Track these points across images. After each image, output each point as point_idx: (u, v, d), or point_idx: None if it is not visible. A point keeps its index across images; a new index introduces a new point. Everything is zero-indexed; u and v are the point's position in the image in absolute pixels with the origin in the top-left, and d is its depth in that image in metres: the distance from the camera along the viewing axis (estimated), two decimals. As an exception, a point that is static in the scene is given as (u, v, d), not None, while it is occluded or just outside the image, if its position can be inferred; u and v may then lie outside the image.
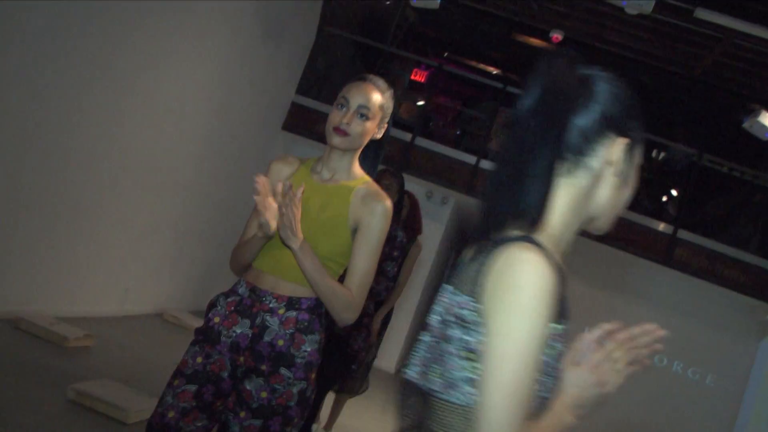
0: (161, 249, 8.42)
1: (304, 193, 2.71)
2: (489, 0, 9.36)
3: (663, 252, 10.78)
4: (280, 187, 2.50)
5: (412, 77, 15.16)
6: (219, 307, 2.73)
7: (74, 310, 7.16)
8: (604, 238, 10.96)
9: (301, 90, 10.89)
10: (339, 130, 2.71)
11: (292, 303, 2.68)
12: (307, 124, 10.78)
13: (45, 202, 6.31)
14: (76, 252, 6.98)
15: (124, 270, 7.92)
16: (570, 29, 9.57)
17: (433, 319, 1.59)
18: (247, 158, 9.69)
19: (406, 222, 5.82)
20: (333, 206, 2.73)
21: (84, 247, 7.08)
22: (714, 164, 12.13)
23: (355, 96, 2.75)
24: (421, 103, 12.84)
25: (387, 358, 11.80)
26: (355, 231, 2.73)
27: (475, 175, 11.19)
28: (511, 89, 12.31)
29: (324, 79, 11.71)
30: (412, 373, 1.60)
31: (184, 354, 2.72)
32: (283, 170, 2.85)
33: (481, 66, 16.47)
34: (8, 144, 5.68)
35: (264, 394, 2.62)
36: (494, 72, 16.44)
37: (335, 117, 2.73)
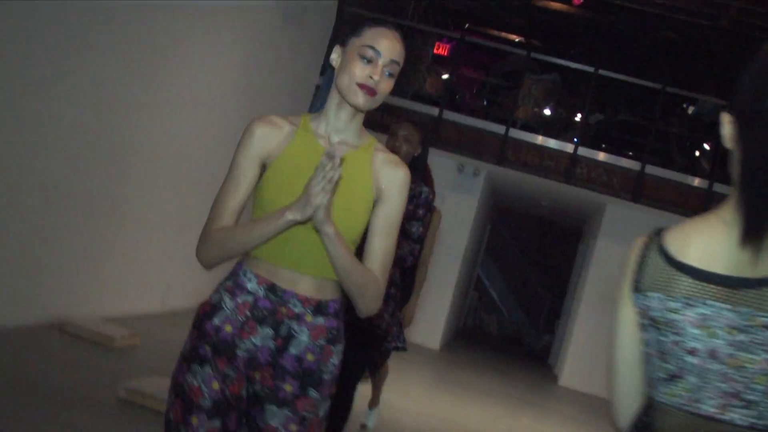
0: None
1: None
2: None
3: (699, 207, 10.69)
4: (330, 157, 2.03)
5: (435, 51, 15.08)
6: (227, 311, 2.21)
7: (118, 310, 7.23)
8: (639, 198, 10.92)
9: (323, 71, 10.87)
10: (367, 88, 2.22)
11: (320, 307, 2.22)
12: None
13: (81, 204, 6.36)
14: (115, 252, 7.04)
15: (165, 266, 7.99)
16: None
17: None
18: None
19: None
20: (353, 176, 2.25)
21: (123, 246, 7.14)
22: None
23: (387, 48, 2.24)
24: (446, 76, 12.78)
25: (430, 334, 11.82)
26: (375, 204, 2.29)
27: (504, 144, 11.15)
28: (535, 56, 12.23)
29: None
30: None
31: (186, 375, 2.18)
32: (272, 135, 2.26)
33: (504, 35, 16.38)
34: (43, 148, 5.73)
35: (293, 428, 2.20)
36: (517, 40, 16.35)
37: (361, 70, 2.21)
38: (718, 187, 10.72)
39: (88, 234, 6.57)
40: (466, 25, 16.51)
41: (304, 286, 2.20)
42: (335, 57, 2.32)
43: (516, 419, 8.59)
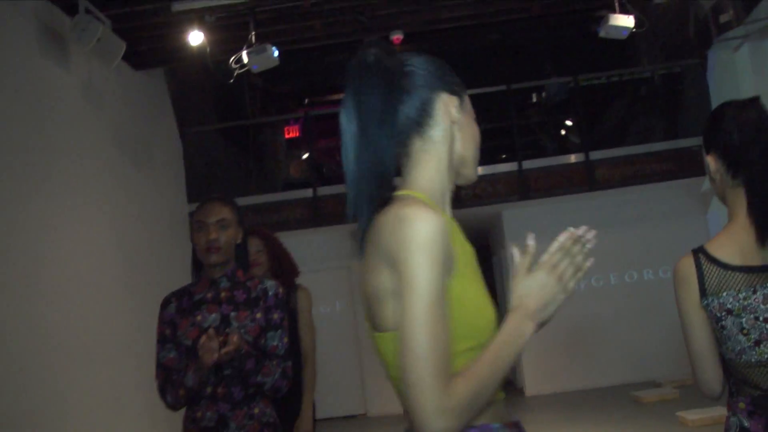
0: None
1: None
2: (320, 34, 9.42)
3: (586, 180, 10.95)
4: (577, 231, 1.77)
5: (287, 136, 15.19)
6: None
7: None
8: (528, 194, 11.10)
9: (192, 197, 10.74)
10: None
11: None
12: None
13: None
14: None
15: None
16: (406, 25, 9.67)
17: None
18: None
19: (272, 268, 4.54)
20: None
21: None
22: (591, 81, 12.40)
23: None
24: (306, 155, 12.85)
25: (387, 398, 11.68)
26: None
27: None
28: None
29: (208, 176, 11.65)
30: None
31: None
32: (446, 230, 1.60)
33: (342, 95, 16.57)
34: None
35: None
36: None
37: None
38: (595, 155, 11.00)
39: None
40: (306, 101, 16.67)
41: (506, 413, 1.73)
42: (447, 110, 1.79)
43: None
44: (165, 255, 9.56)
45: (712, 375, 2.29)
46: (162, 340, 3.26)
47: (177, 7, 7.99)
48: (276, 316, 3.30)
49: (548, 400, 11.46)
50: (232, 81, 8.93)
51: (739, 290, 2.18)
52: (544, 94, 13.13)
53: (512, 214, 11.80)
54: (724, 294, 2.19)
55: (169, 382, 3.18)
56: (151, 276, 8.89)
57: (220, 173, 12.20)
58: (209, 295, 3.28)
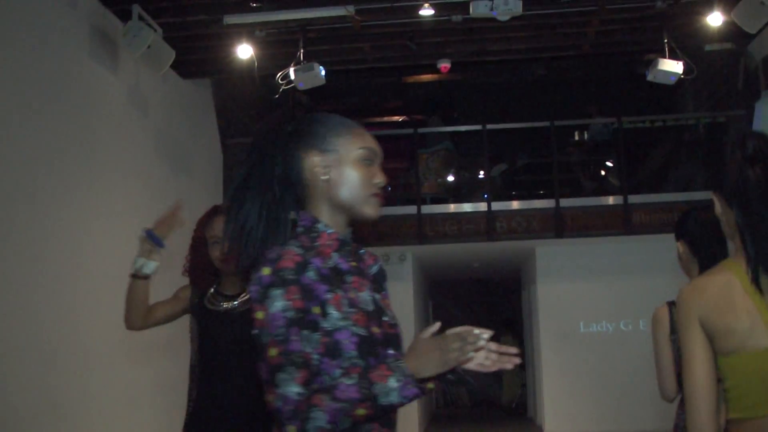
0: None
1: None
2: (368, 56, 9.47)
3: (622, 223, 10.88)
4: None
5: (327, 154, 15.21)
6: None
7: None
8: (562, 233, 11.02)
9: (228, 208, 10.78)
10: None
11: None
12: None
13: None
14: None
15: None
16: (454, 54, 9.70)
17: None
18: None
19: None
20: None
21: None
22: (635, 124, 12.33)
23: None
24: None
25: (405, 425, 11.65)
26: None
27: (420, 223, 11.21)
28: (422, 130, 12.40)
29: (245, 189, 11.67)
30: None
31: None
32: None
33: (386, 119, 16.62)
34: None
35: None
36: (400, 120, 16.60)
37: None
38: (633, 199, 10.93)
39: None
40: (349, 122, 16.70)
41: None
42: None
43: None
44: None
45: (670, 384, 3.32)
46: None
47: (229, 20, 8.06)
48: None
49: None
50: (277, 96, 8.99)
51: None
52: (586, 134, 13.05)
53: (546, 251, 11.74)
54: None
55: None
56: (184, 282, 8.92)
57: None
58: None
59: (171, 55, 7.82)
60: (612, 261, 11.62)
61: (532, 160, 13.11)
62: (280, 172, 2.13)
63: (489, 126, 11.84)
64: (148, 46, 7.44)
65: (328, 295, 2.01)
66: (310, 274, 2.01)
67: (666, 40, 8.63)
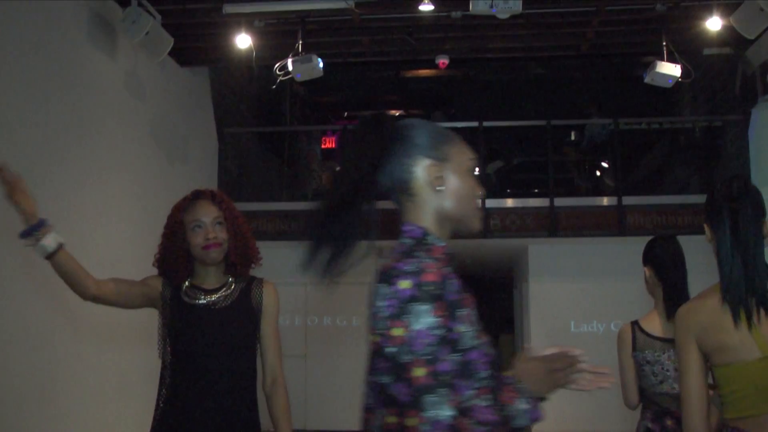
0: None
1: None
2: (367, 50, 9.46)
3: (616, 224, 10.88)
4: None
5: (324, 146, 15.23)
6: None
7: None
8: (556, 232, 11.04)
9: (222, 197, 10.76)
10: None
11: None
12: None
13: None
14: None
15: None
16: (453, 50, 9.69)
17: None
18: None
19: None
20: None
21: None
22: (631, 125, 12.35)
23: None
24: (339, 168, 12.87)
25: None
26: None
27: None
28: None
29: (240, 178, 11.70)
30: None
31: None
32: None
33: (384, 112, 16.62)
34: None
35: None
36: (397, 114, 16.62)
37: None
38: (628, 200, 10.94)
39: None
40: (345, 114, 16.73)
41: None
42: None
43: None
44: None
45: (632, 395, 3.89)
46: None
47: (228, 9, 8.05)
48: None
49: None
50: (274, 87, 8.98)
51: (654, 351, 3.83)
52: (585, 134, 13.07)
53: (538, 249, 11.73)
54: (647, 351, 3.86)
55: None
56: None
57: (253, 176, 12.24)
58: None
59: (169, 41, 7.81)
60: (604, 262, 11.61)
61: (527, 158, 13.12)
62: (394, 171, 2.06)
63: (486, 123, 11.83)
64: (147, 33, 7.44)
65: (463, 312, 1.94)
66: (452, 290, 1.92)
67: (665, 43, 8.64)
